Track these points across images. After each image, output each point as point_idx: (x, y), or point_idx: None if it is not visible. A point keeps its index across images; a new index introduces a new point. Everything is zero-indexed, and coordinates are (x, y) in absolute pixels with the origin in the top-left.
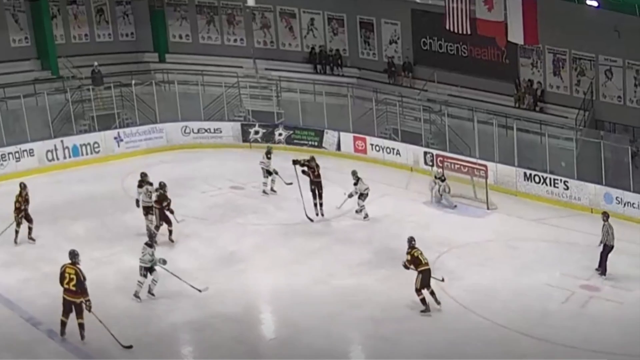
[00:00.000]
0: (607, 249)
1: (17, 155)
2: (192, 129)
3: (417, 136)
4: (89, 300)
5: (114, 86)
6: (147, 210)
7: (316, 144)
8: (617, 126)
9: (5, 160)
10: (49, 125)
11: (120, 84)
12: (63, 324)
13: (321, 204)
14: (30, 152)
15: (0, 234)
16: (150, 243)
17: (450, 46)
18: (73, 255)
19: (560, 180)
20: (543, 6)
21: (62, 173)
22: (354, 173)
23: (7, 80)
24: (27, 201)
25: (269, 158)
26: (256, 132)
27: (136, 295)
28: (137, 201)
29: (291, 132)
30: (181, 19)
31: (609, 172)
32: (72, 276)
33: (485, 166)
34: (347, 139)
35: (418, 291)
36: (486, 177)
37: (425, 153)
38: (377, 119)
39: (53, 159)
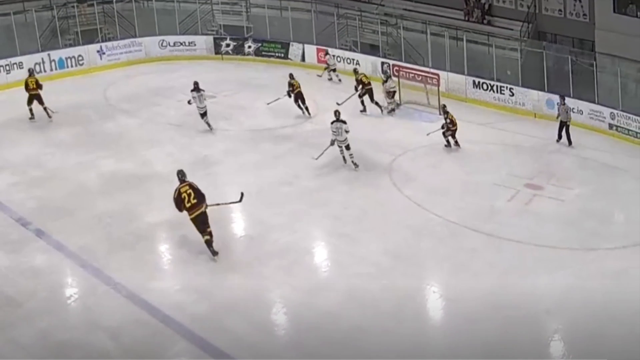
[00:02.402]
0: (563, 124)
1: (7, 68)
2: (169, 43)
3: (375, 48)
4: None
5: (96, 3)
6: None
7: (282, 55)
8: (558, 37)
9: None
10: (36, 40)
11: (103, 1)
12: (209, 244)
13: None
14: (20, 65)
15: None
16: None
17: None
18: (182, 174)
19: (506, 87)
20: None
21: (49, 84)
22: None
23: None
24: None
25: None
26: (227, 45)
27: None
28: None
29: (259, 44)
30: None
31: (551, 79)
32: (188, 192)
33: (438, 75)
34: (310, 50)
35: None
36: (438, 85)
37: (383, 63)
38: (339, 32)
39: (40, 71)
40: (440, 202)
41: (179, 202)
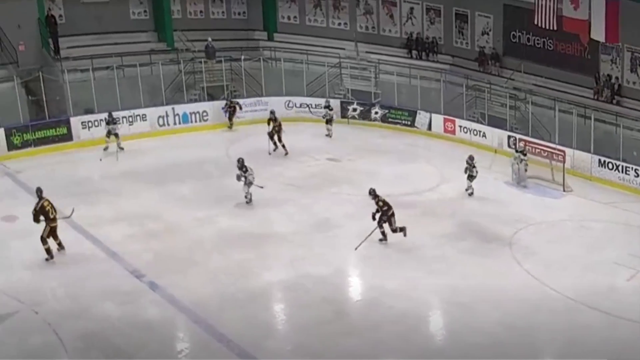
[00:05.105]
0: None
1: (130, 119)
2: (295, 104)
3: (503, 121)
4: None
5: (224, 60)
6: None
7: (409, 123)
8: None
9: (120, 123)
10: (161, 93)
11: (231, 59)
12: (61, 245)
13: None
14: (143, 117)
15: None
16: None
17: (538, 40)
18: (40, 191)
19: (632, 168)
20: (625, 7)
21: (172, 138)
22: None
23: (126, 49)
24: None
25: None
26: (354, 110)
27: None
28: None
29: (386, 111)
30: (290, 2)
31: None
32: (50, 206)
33: (564, 151)
34: (437, 120)
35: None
36: (564, 162)
37: (509, 137)
38: (467, 103)
39: (164, 125)
40: (558, 278)
41: (43, 214)
